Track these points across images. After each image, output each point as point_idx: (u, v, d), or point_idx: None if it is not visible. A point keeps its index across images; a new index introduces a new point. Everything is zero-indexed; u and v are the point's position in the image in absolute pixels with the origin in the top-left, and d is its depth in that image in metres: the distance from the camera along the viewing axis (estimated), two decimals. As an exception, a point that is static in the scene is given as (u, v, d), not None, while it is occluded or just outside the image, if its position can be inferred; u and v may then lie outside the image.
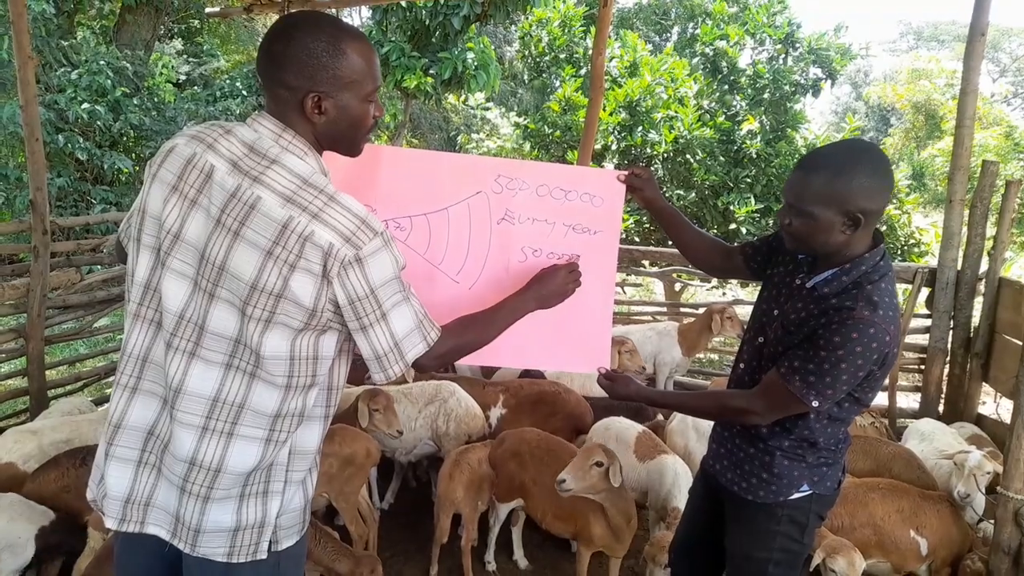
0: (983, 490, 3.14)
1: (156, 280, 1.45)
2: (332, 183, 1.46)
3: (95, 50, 10.65)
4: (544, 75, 13.67)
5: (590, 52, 9.67)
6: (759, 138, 11.22)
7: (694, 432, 3.62)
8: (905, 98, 19.09)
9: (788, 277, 1.95)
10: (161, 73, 12.31)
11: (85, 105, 9.72)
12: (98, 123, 9.88)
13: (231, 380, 1.42)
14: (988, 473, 3.13)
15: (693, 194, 11.08)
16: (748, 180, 11.09)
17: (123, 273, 5.41)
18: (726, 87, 12.24)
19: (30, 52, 4.18)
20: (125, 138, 10.71)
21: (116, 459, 1.48)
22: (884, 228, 10.29)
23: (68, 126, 9.76)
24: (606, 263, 2.20)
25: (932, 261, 6.67)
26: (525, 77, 15.27)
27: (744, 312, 4.85)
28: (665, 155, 11.09)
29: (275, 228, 1.36)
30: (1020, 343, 4.01)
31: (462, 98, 15.24)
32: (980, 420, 4.56)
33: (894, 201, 10.49)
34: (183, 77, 14.62)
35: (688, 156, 11.12)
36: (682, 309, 6.27)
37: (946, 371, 4.80)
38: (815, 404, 1.75)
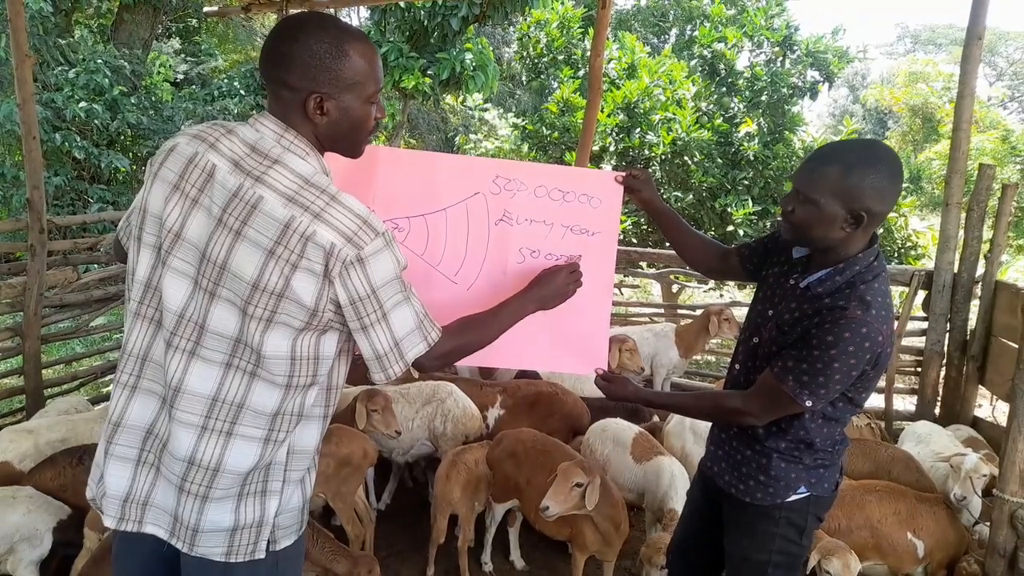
0: (979, 493, 3.15)
1: (157, 279, 1.45)
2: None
3: (93, 49, 10.63)
4: (542, 76, 13.67)
5: (588, 54, 9.69)
6: (756, 140, 11.22)
7: (691, 434, 3.63)
8: (902, 101, 19.13)
9: (782, 277, 1.95)
10: (159, 72, 12.30)
11: (82, 104, 9.70)
12: (95, 122, 9.86)
13: (231, 380, 1.42)
14: (984, 476, 3.14)
15: (691, 196, 11.09)
16: (746, 182, 11.10)
17: (120, 272, 5.43)
18: (724, 89, 12.25)
19: (27, 50, 4.18)
20: (122, 137, 10.70)
21: (115, 458, 1.48)
22: (881, 231, 10.27)
23: (65, 125, 9.74)
24: (604, 264, 2.20)
25: (929, 264, 6.68)
26: (523, 78, 15.28)
27: (741, 314, 4.85)
28: (663, 157, 11.09)
29: (277, 228, 1.37)
30: (1016, 346, 4.02)
31: (460, 99, 15.25)
32: (976, 423, 4.58)
33: (892, 204, 10.49)
34: (181, 76, 14.62)
35: (686, 158, 11.13)
36: (679, 311, 6.29)
37: (942, 374, 4.81)
38: (808, 404, 1.76)
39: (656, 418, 4.07)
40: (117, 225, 1.68)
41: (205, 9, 7.69)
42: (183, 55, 15.50)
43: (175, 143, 1.49)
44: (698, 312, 5.54)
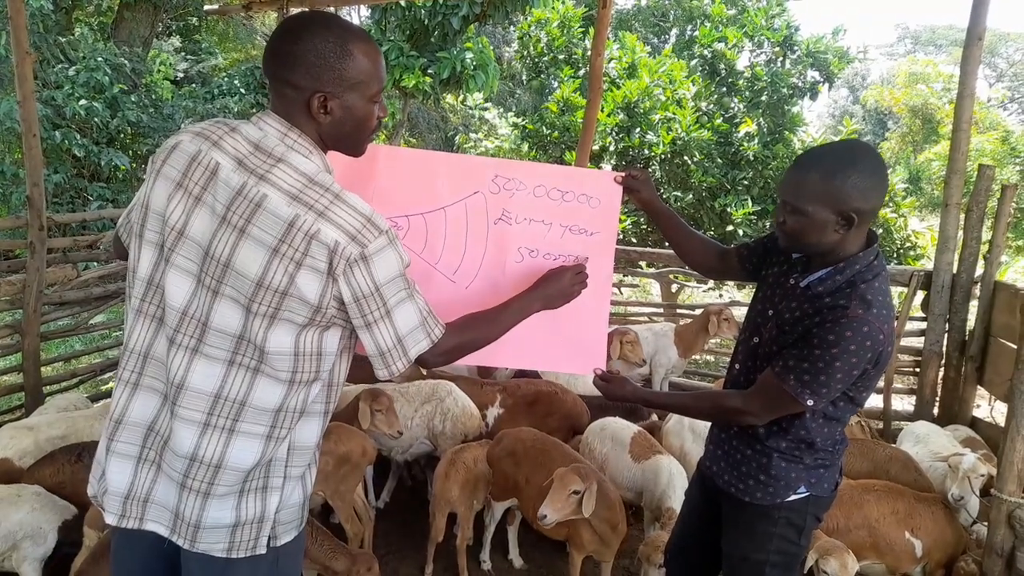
0: (977, 492, 3.16)
1: (159, 276, 1.45)
2: None
3: (93, 47, 10.62)
4: (542, 76, 13.66)
5: (589, 53, 9.69)
6: (756, 140, 11.22)
7: (690, 433, 3.63)
8: (902, 102, 19.15)
9: (782, 277, 1.96)
10: (159, 70, 12.31)
11: (83, 102, 9.70)
12: (95, 120, 9.86)
13: (233, 376, 1.42)
14: (982, 476, 3.15)
15: (690, 196, 11.08)
16: (745, 182, 11.10)
17: (120, 270, 5.43)
18: (724, 89, 12.25)
19: (28, 48, 4.18)
20: (122, 135, 10.69)
21: (117, 455, 1.48)
22: (880, 231, 10.30)
23: (65, 122, 9.74)
24: (603, 264, 2.20)
25: (928, 264, 6.68)
26: (523, 77, 15.26)
27: (740, 313, 4.86)
28: (663, 156, 11.09)
29: (281, 226, 1.37)
30: (1015, 347, 4.02)
31: (460, 98, 15.24)
32: (975, 423, 4.58)
33: (890, 204, 10.50)
34: (181, 74, 14.61)
35: (686, 158, 11.12)
36: (679, 310, 6.29)
37: (941, 374, 4.82)
38: (810, 403, 1.76)
39: (655, 417, 4.08)
40: (117, 223, 1.69)
41: (206, 7, 7.68)
42: (183, 53, 15.50)
43: (178, 140, 1.49)
44: (697, 312, 5.54)
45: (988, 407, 4.63)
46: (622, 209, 2.70)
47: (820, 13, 26.31)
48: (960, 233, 4.68)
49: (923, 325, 4.87)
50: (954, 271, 4.66)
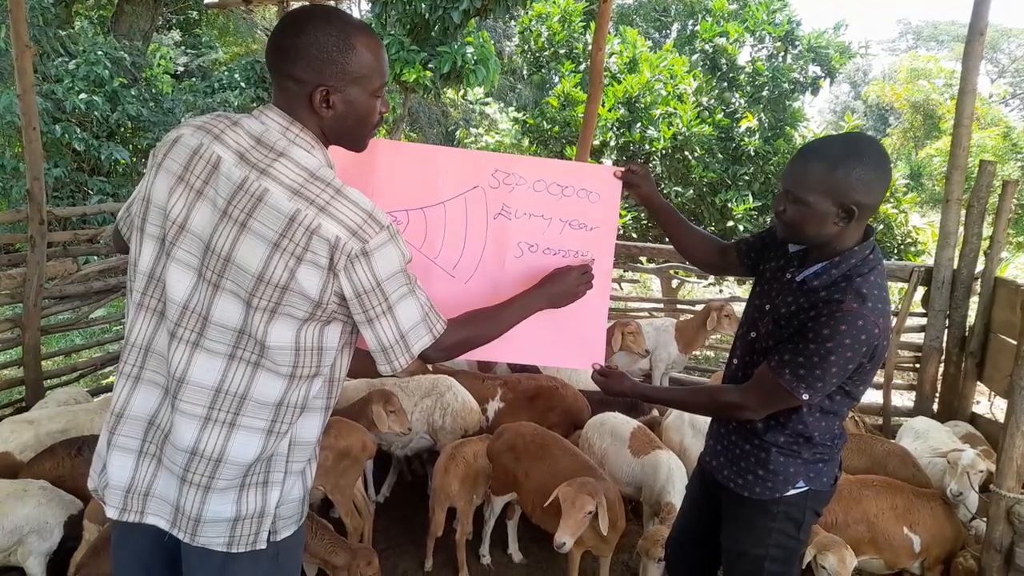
0: (976, 488, 3.16)
1: (160, 270, 1.45)
2: None
3: (93, 40, 10.60)
4: (543, 70, 13.64)
5: (590, 48, 9.66)
6: (757, 136, 11.22)
7: (690, 428, 3.63)
8: (904, 97, 19.11)
9: (779, 272, 1.96)
10: (159, 64, 12.27)
11: (83, 95, 9.69)
12: (95, 113, 9.85)
13: (234, 370, 1.42)
14: (981, 471, 3.15)
15: (691, 191, 11.08)
16: (746, 177, 11.10)
17: (120, 264, 5.43)
18: (725, 84, 12.23)
19: (28, 41, 4.18)
20: (122, 129, 10.68)
21: (118, 448, 1.48)
22: (881, 227, 10.29)
23: (65, 116, 9.73)
24: (603, 259, 2.20)
25: (928, 260, 6.69)
26: (524, 72, 15.23)
27: (741, 309, 4.86)
28: (663, 152, 11.08)
29: (282, 221, 1.37)
30: (1015, 343, 4.02)
31: (461, 92, 15.19)
32: (974, 419, 4.59)
33: (891, 200, 10.50)
34: (181, 68, 14.60)
35: (686, 153, 11.12)
36: (679, 306, 6.29)
37: (941, 370, 4.82)
38: (805, 397, 1.77)
39: (655, 412, 4.08)
40: (117, 216, 1.68)
41: (206, 1, 7.66)
42: (183, 47, 15.48)
43: (179, 134, 1.49)
44: (698, 307, 5.54)
45: (988, 403, 4.63)
46: (622, 204, 2.70)
47: (822, 8, 26.23)
48: (961, 229, 4.68)
49: (923, 321, 4.87)
50: (955, 267, 4.66)
